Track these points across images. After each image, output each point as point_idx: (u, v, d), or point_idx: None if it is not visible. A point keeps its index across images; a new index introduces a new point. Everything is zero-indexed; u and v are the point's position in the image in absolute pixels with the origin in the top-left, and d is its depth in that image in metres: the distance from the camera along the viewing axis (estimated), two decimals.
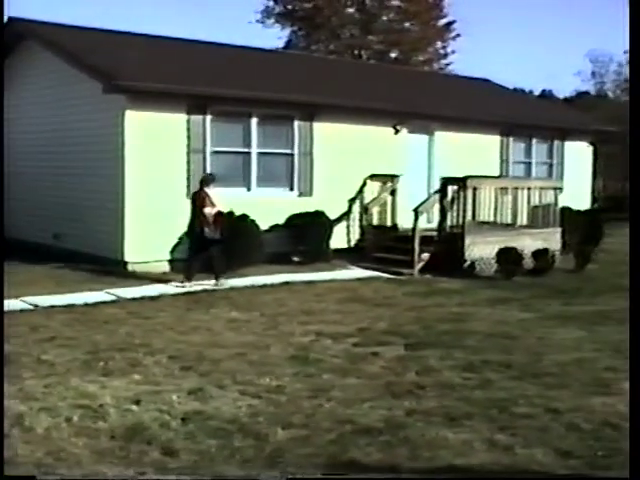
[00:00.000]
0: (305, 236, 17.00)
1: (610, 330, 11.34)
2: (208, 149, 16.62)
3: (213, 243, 14.34)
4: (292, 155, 18.00)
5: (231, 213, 15.92)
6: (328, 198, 18.06)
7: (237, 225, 15.74)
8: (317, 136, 18.25)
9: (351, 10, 46.59)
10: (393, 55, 46.71)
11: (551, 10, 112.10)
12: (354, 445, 6.31)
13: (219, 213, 14.46)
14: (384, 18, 46.99)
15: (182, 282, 14.35)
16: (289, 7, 46.08)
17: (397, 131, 19.65)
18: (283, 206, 17.35)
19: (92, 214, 16.72)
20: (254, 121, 17.32)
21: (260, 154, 17.49)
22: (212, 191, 14.47)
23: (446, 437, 6.56)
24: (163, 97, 15.86)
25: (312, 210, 17.39)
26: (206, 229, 14.23)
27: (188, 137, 16.34)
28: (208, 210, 14.25)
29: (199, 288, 14.21)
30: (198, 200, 14.48)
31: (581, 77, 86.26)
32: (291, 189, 18.07)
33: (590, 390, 8.12)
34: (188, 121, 16.33)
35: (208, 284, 14.43)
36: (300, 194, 18.05)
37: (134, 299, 12.93)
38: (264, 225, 16.55)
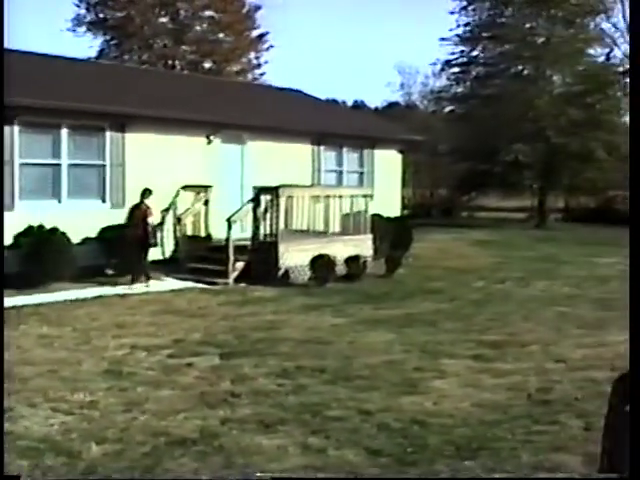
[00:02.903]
0: (118, 248, 16.74)
1: (418, 332, 11.81)
2: (17, 161, 16.10)
3: (152, 247, 16.46)
4: (104, 166, 17.70)
5: (41, 226, 15.53)
6: None
7: (47, 239, 15.37)
8: (129, 147, 18.02)
9: (164, 20, 46.23)
10: (207, 65, 46.68)
11: (363, 24, 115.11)
12: (169, 456, 6.31)
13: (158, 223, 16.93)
14: (197, 28, 46.90)
15: (146, 284, 15.90)
16: (101, 16, 45.18)
17: (210, 141, 19.68)
18: (95, 218, 17.02)
19: None
20: (64, 132, 16.92)
21: (71, 165, 17.09)
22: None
23: (260, 443, 6.66)
24: None
25: (125, 222, 17.14)
26: (150, 236, 16.26)
27: None
28: (151, 220, 16.26)
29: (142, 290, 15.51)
30: (139, 211, 16.23)
31: (391, 88, 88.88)
32: (103, 201, 17.77)
33: (399, 390, 8.42)
34: None
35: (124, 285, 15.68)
36: (113, 206, 17.77)
37: None
38: (76, 238, 16.17)
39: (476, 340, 11.22)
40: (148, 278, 16.11)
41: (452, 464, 6.21)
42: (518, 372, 9.30)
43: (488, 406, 7.84)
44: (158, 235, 17.14)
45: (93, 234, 16.86)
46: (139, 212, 16.24)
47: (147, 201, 16.37)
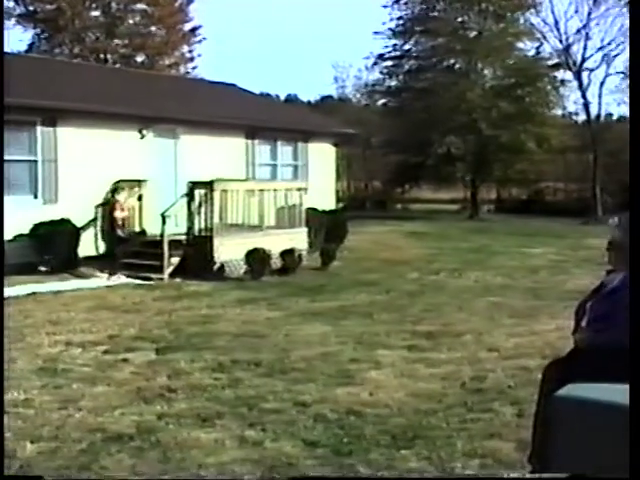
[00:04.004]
0: (51, 245, 16.55)
1: (353, 324, 11.91)
2: None
3: (121, 241, 17.08)
4: (35, 162, 17.48)
5: None
6: (75, 205, 17.63)
7: None
8: (62, 142, 17.80)
9: (95, 13, 45.63)
10: (139, 59, 46.26)
11: (297, 18, 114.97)
12: (105, 453, 6.28)
13: (127, 217, 17.50)
14: (129, 22, 46.42)
15: (109, 276, 16.53)
16: (30, 8, 44.38)
17: (143, 135, 19.53)
18: (27, 214, 16.79)
19: None
20: None
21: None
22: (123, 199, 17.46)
23: (198, 437, 6.66)
24: None
25: (58, 218, 16.95)
26: (117, 230, 17.08)
27: None
28: (118, 214, 17.05)
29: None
30: (109, 206, 17.24)
31: (324, 82, 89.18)
32: (35, 197, 17.55)
33: (335, 381, 8.48)
34: None
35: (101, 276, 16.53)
36: (45, 202, 17.56)
37: None
38: (7, 235, 15.96)
39: (411, 331, 11.35)
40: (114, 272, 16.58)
41: (388, 453, 6.28)
42: (452, 361, 9.44)
43: (423, 395, 7.94)
44: (121, 229, 17.44)
45: (25, 230, 16.63)
46: (108, 207, 17.21)
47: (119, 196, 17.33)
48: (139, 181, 18.77)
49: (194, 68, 48.50)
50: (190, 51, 48.54)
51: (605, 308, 5.05)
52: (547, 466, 4.76)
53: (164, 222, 16.73)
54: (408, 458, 6.19)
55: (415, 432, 6.76)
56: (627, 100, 67.15)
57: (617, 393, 4.52)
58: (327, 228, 21.28)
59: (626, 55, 61.53)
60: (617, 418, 4.42)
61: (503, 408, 7.45)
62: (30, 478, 5.81)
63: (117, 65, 42.23)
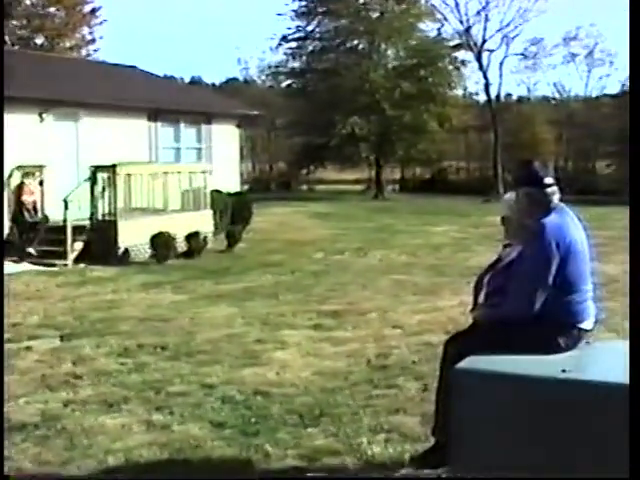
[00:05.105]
0: None
1: (258, 305, 11.95)
2: None
3: (31, 226, 17.22)
4: None
5: None
6: None
7: None
8: None
9: None
10: (39, 41, 45.24)
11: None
12: (9, 442, 6.18)
13: (36, 201, 17.68)
14: (27, 2, 45.32)
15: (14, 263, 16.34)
16: None
17: (42, 119, 19.15)
18: None
19: None
20: None
21: None
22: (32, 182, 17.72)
23: (104, 423, 6.61)
24: None
25: None
26: (26, 214, 17.30)
27: None
28: (25, 198, 17.36)
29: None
30: (18, 190, 17.46)
31: (229, 64, 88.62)
32: None
33: (241, 362, 8.51)
34: None
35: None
36: None
37: None
38: None
39: (316, 310, 11.45)
40: (22, 258, 16.52)
41: (295, 432, 6.34)
42: (357, 339, 9.55)
43: (329, 374, 8.02)
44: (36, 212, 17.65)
45: None
46: (18, 192, 17.40)
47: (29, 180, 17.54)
48: (40, 166, 18.41)
49: (95, 50, 47.74)
50: (91, 33, 47.75)
51: (501, 281, 5.19)
52: (450, 437, 4.89)
53: (67, 207, 16.48)
54: (315, 436, 6.26)
55: (321, 410, 6.83)
56: (526, 80, 68.76)
57: (514, 364, 4.69)
58: (232, 210, 21.27)
59: (524, 36, 62.88)
60: (514, 387, 4.59)
61: (407, 383, 7.58)
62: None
63: (15, 47, 41.20)
